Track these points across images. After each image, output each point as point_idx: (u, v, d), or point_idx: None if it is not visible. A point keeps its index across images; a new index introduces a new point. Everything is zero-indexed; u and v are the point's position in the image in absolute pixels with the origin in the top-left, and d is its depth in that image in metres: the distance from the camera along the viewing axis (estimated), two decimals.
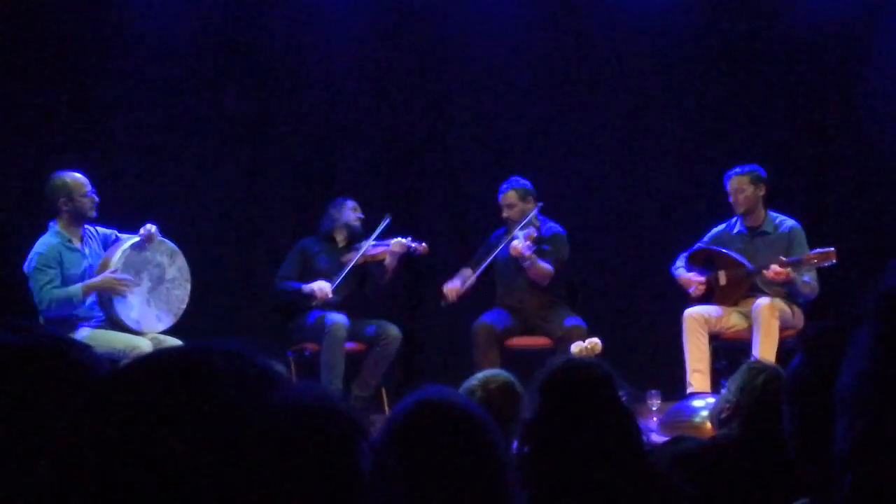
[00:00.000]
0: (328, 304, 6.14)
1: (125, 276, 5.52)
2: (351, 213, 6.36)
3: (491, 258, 6.32)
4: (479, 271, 6.31)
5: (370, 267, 6.33)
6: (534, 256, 6.15)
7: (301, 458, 0.77)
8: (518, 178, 6.40)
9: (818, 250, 5.88)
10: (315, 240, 6.43)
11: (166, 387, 0.79)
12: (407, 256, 6.28)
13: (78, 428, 0.78)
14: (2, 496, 1.08)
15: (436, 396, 1.53)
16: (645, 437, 2.28)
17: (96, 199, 5.59)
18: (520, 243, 6.12)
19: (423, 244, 6.22)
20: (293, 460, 0.77)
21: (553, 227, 6.39)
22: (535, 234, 6.22)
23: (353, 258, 6.20)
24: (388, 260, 6.22)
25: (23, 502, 0.82)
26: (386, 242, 6.23)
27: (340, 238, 6.39)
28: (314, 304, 6.08)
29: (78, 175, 5.58)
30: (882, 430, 1.14)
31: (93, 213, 5.58)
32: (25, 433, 1.12)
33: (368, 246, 6.23)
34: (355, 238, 6.35)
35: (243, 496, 0.74)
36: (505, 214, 6.38)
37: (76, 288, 5.45)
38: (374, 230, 6.27)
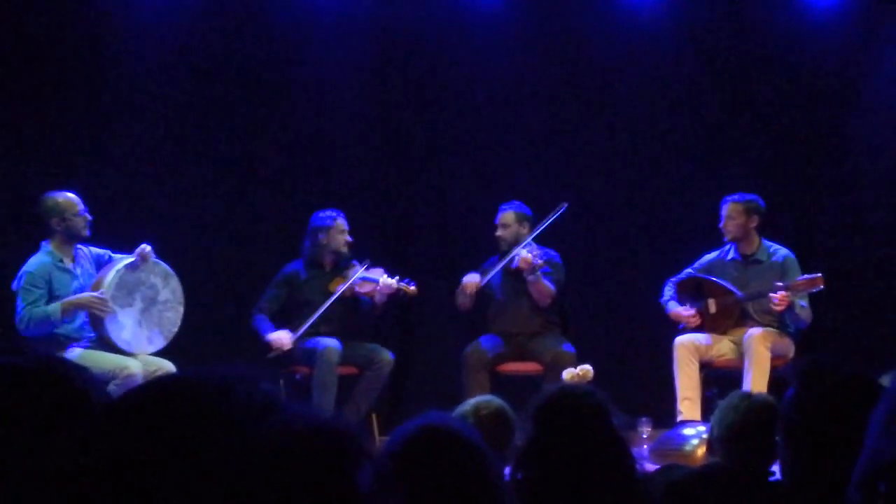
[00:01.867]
0: (320, 332, 6.09)
1: (103, 295, 5.49)
2: (339, 237, 6.23)
3: (500, 267, 6.29)
4: (487, 278, 6.29)
5: (358, 300, 6.28)
6: (542, 263, 6.14)
7: (304, 478, 0.78)
8: (519, 203, 6.43)
9: (805, 277, 5.92)
10: (301, 265, 6.33)
11: (173, 413, 0.80)
12: (395, 297, 6.24)
13: (89, 453, 0.78)
14: None
15: (438, 423, 1.54)
16: (638, 466, 2.28)
17: (89, 217, 5.59)
18: (529, 254, 6.12)
19: (413, 286, 6.16)
20: (297, 481, 0.77)
21: (548, 251, 6.40)
22: (538, 251, 6.23)
23: (339, 289, 6.14)
24: (377, 297, 6.18)
25: None
26: (374, 279, 6.15)
27: (327, 263, 6.32)
28: (269, 356, 5.97)
29: (70, 195, 5.58)
30: None
31: (86, 233, 5.59)
32: (22, 453, 1.12)
33: (356, 280, 6.15)
34: (342, 263, 6.29)
35: None
36: (499, 233, 6.38)
37: (54, 306, 5.43)
38: (360, 255, 6.22)
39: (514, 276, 6.30)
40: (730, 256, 6.25)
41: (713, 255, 6.32)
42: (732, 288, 6.09)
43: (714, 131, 7.19)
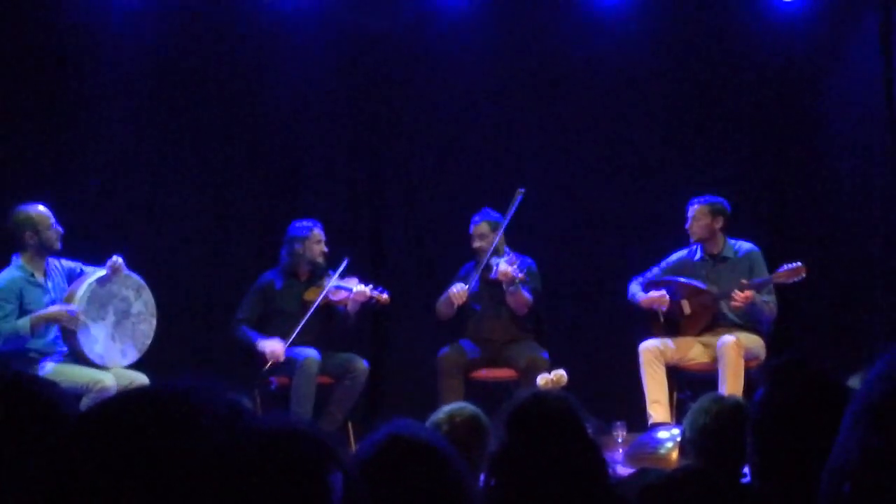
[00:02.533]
0: (297, 341, 6.08)
1: (73, 308, 5.47)
2: (315, 247, 6.24)
3: (477, 277, 6.28)
4: (471, 284, 6.28)
5: (333, 309, 6.29)
6: (522, 277, 6.15)
7: (275, 481, 0.78)
8: (489, 210, 6.44)
9: (786, 267, 5.97)
10: (276, 274, 6.33)
11: (142, 423, 0.80)
12: (367, 305, 6.24)
13: (58, 466, 0.79)
14: None
15: (404, 431, 1.53)
16: (611, 470, 2.28)
17: (61, 230, 5.57)
18: (509, 267, 6.13)
19: (385, 294, 6.15)
20: (268, 484, 0.78)
21: (525, 259, 6.41)
22: (517, 261, 6.23)
23: (316, 301, 6.12)
24: (350, 306, 6.19)
25: None
26: (348, 287, 6.14)
27: (303, 273, 6.32)
28: (264, 368, 5.96)
29: (42, 208, 5.55)
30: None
31: (58, 246, 5.56)
32: None
33: (331, 288, 6.15)
34: (318, 273, 6.30)
35: None
36: (476, 245, 6.38)
37: (24, 321, 5.40)
38: (336, 265, 6.23)
39: (492, 285, 6.30)
40: (697, 256, 6.31)
41: (681, 254, 6.38)
42: (703, 286, 6.14)
43: (684, 129, 7.23)
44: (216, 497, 0.76)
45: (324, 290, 6.15)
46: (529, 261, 6.41)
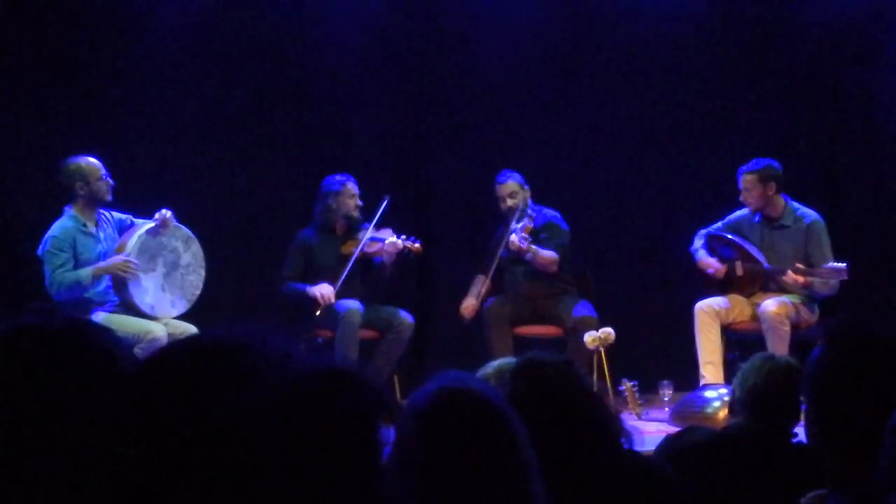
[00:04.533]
0: (340, 293, 6.12)
1: (132, 259, 5.53)
2: (349, 201, 6.24)
3: (496, 259, 6.29)
4: (489, 275, 6.30)
5: (370, 261, 6.30)
6: (533, 248, 6.14)
7: (325, 426, 0.78)
8: (510, 170, 6.41)
9: (831, 266, 5.81)
10: (313, 231, 6.34)
11: (199, 369, 0.80)
12: (401, 256, 6.24)
13: (119, 416, 0.80)
14: (26, 473, 1.08)
15: (456, 383, 1.51)
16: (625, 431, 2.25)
17: (111, 182, 5.62)
18: (516, 238, 6.11)
19: (417, 244, 6.15)
20: (317, 428, 0.78)
21: (546, 213, 6.37)
22: (531, 226, 6.21)
23: (355, 252, 6.14)
24: (385, 257, 6.19)
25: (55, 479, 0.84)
26: (381, 239, 6.17)
27: (339, 227, 6.33)
28: (319, 312, 6.01)
29: (92, 160, 5.60)
30: None
31: (108, 197, 5.61)
32: (49, 412, 1.13)
33: (366, 241, 6.17)
34: (354, 227, 6.31)
35: (273, 455, 0.76)
36: (509, 204, 6.34)
37: (86, 271, 5.48)
38: (374, 213, 6.23)
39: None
40: (755, 219, 6.19)
41: (742, 212, 6.25)
42: (761, 257, 6.05)
43: (736, 88, 7.11)
44: (270, 440, 0.77)
45: (360, 243, 6.17)
46: (552, 214, 6.37)
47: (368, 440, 0.81)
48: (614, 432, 2.18)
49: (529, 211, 6.31)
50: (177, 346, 0.87)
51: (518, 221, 6.24)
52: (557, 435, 2.02)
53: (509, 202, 6.33)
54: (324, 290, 6.05)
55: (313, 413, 0.79)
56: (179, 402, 0.79)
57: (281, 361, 0.82)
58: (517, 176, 6.38)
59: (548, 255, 6.20)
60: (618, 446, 2.18)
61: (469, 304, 6.35)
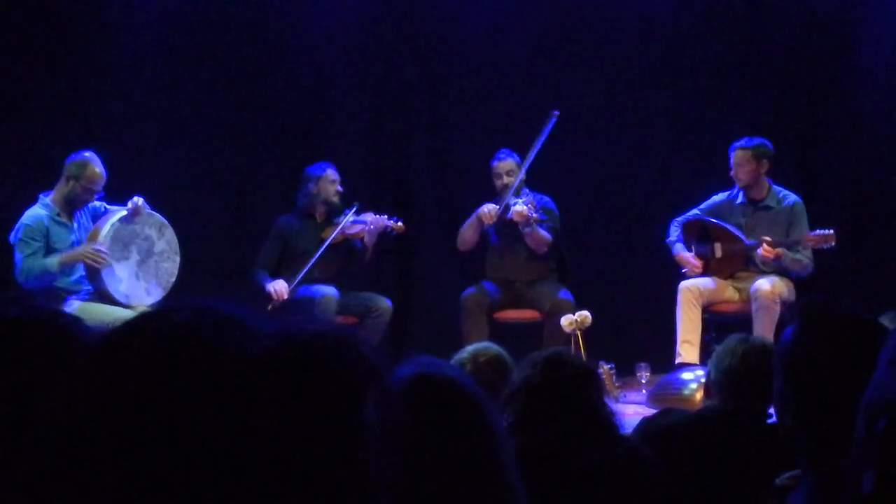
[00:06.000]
0: (316, 279, 6.11)
1: (101, 248, 5.49)
2: (330, 187, 6.28)
3: (501, 208, 6.21)
4: (499, 209, 6.20)
5: (351, 243, 6.31)
6: (537, 217, 6.13)
7: (310, 387, 0.77)
8: (509, 150, 6.39)
9: (818, 232, 5.89)
10: (293, 216, 6.37)
11: (164, 339, 0.79)
12: (384, 234, 6.24)
13: (88, 388, 0.78)
14: None
15: (430, 369, 1.50)
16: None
17: (97, 195, 5.62)
18: (524, 207, 6.10)
19: (400, 223, 6.19)
20: (300, 390, 0.76)
21: (542, 197, 6.38)
22: (534, 201, 6.20)
23: (332, 235, 6.16)
24: (366, 238, 6.20)
25: (22, 470, 0.82)
26: (363, 220, 6.20)
27: (319, 214, 6.34)
28: (270, 307, 5.96)
29: (101, 170, 5.57)
30: None
31: (81, 206, 5.61)
32: (18, 403, 1.12)
33: (346, 223, 6.19)
34: (334, 213, 6.32)
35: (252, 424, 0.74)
36: (504, 182, 6.33)
37: (52, 260, 5.45)
38: (353, 202, 6.24)
39: (510, 226, 6.26)
40: (738, 200, 6.21)
41: (721, 196, 6.29)
42: (740, 235, 6.08)
43: (719, 71, 7.12)
44: (256, 396, 0.75)
45: (339, 226, 6.16)
46: (546, 199, 6.38)
47: (357, 407, 0.79)
48: (614, 422, 2.20)
49: (526, 190, 6.30)
50: (146, 316, 0.85)
51: (517, 197, 6.22)
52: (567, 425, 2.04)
53: (506, 179, 6.32)
54: (277, 287, 6.06)
55: (301, 375, 0.77)
56: (152, 369, 0.77)
57: (264, 327, 0.81)
58: (515, 156, 6.37)
59: (544, 234, 6.21)
60: (616, 434, 2.20)
61: (493, 211, 6.18)
